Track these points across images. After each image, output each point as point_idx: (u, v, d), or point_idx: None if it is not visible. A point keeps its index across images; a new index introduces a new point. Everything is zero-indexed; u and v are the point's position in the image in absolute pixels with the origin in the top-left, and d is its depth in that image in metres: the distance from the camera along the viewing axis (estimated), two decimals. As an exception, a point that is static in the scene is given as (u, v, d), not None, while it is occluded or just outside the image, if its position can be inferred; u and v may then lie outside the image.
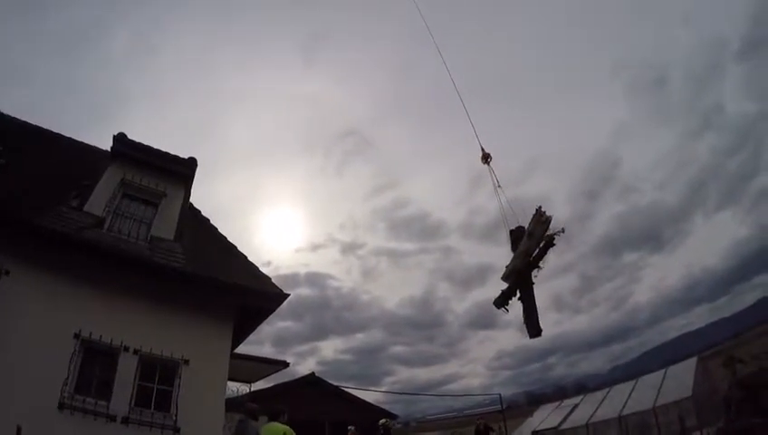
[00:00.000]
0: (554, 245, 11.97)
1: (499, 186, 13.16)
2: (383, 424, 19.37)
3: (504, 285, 12.45)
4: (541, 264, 11.98)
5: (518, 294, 12.35)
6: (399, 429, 31.51)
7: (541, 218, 12.47)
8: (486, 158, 13.63)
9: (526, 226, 12.09)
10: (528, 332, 12.24)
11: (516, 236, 12.91)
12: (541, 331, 12.23)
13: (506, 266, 12.71)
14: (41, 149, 12.98)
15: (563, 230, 12.11)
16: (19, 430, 7.02)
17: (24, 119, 14.11)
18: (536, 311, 12.35)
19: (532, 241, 12.29)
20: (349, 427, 20.81)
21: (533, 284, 12.23)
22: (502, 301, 12.66)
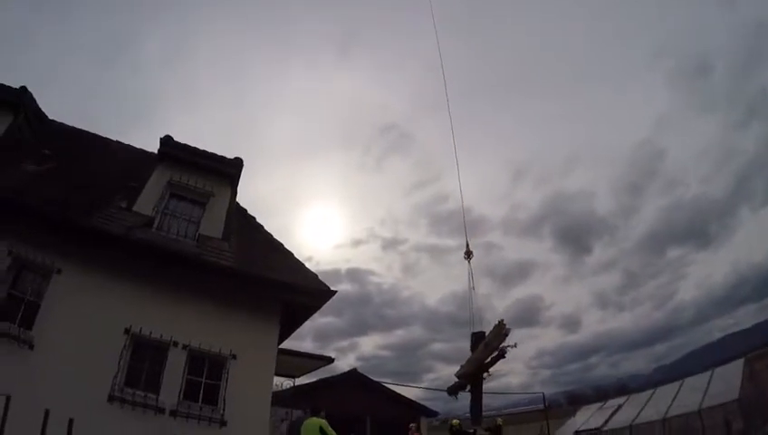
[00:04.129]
0: (505, 358, 14.28)
1: (473, 287, 15.51)
2: (457, 425, 18.78)
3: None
4: (491, 370, 14.44)
5: (468, 388, 14.73)
6: (437, 426, 31.31)
7: (500, 332, 14.77)
8: (469, 254, 15.82)
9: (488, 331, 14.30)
10: (471, 417, 14.96)
11: (477, 338, 14.98)
12: (481, 421, 15.20)
13: (461, 366, 14.93)
14: (88, 153, 13.52)
15: (515, 345, 14.40)
16: (71, 422, 7.24)
17: (68, 123, 14.75)
18: (481, 404, 14.87)
19: (487, 351, 14.43)
20: (410, 425, 20.69)
21: (483, 382, 14.64)
22: (454, 390, 15.00)
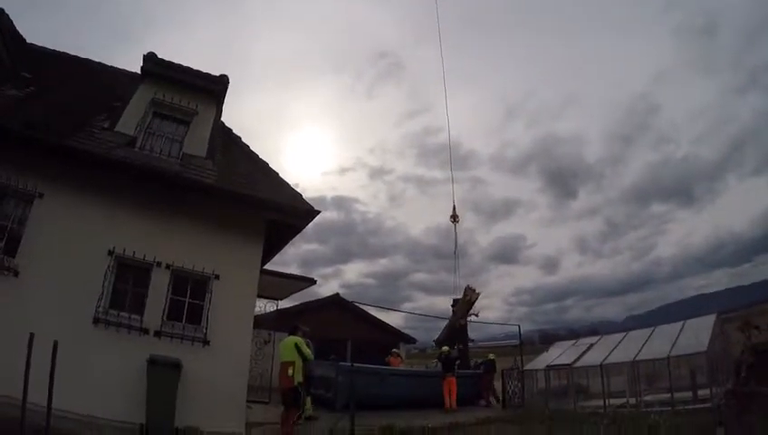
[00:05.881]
0: (464, 325, 17.82)
1: (455, 252, 18.64)
2: (446, 352, 18.84)
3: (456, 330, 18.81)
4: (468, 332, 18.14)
5: (457, 345, 17.81)
6: (415, 353, 33.34)
7: (465, 298, 16.80)
8: (455, 217, 19.05)
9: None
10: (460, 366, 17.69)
11: (455, 305, 18.60)
12: (469, 367, 18.58)
13: (441, 331, 18.73)
14: (69, 76, 13.06)
15: (477, 314, 17.56)
16: (56, 345, 7.51)
17: (51, 47, 14.21)
18: (467, 357, 18.45)
19: (455, 318, 17.91)
20: (393, 350, 21.48)
21: (468, 342, 18.36)
22: (449, 346, 17.94)
